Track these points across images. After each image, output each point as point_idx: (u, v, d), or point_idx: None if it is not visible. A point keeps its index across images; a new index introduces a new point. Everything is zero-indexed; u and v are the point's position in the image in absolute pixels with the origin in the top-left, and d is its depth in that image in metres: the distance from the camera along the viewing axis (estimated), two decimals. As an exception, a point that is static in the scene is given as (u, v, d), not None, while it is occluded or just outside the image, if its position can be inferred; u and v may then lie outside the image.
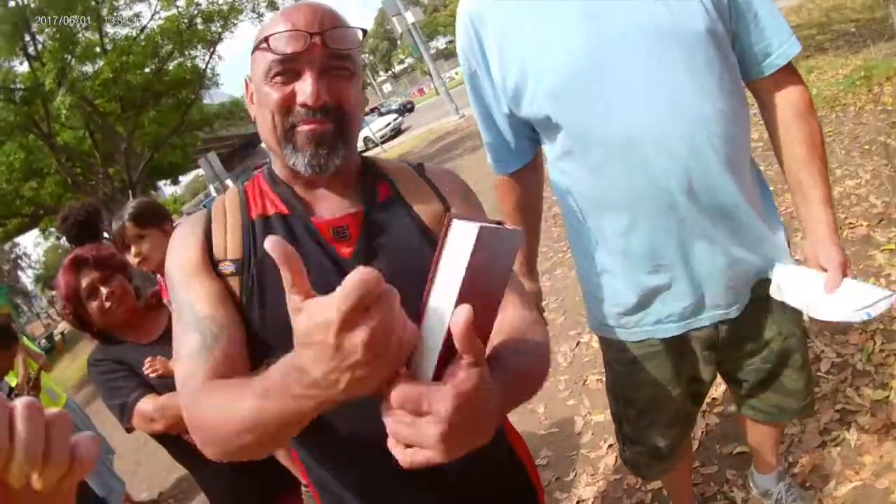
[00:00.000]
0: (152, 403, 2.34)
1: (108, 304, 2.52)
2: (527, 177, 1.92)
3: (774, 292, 1.66)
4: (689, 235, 1.59)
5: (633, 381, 1.87)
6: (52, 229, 28.53)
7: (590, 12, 1.49)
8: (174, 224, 2.91)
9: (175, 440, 2.47)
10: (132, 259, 2.97)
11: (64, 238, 4.44)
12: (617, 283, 1.72)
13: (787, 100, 1.64)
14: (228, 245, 1.28)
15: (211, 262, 1.26)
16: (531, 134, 1.77)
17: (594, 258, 1.75)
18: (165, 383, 2.33)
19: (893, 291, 1.43)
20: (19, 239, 53.17)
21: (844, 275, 1.53)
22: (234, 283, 1.25)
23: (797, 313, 1.79)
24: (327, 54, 1.22)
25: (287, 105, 1.23)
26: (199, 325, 1.19)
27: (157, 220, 3.04)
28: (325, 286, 0.85)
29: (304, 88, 1.21)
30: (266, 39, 1.22)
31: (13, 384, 4.95)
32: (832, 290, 1.51)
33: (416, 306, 0.86)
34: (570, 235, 1.85)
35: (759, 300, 1.73)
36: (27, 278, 71.87)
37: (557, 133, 1.61)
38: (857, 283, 1.51)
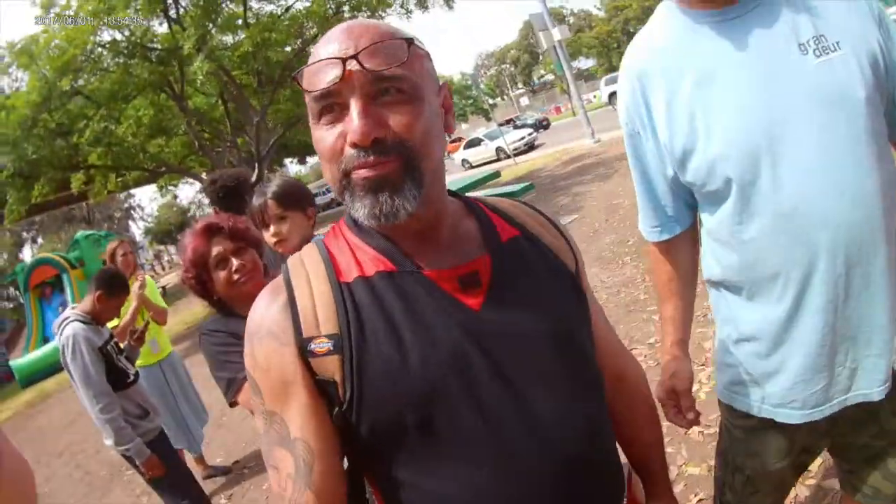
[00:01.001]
0: None
1: (236, 277, 2.55)
2: (684, 245, 1.88)
3: None
4: (836, 315, 1.55)
5: (747, 449, 1.85)
6: (171, 187, 29.58)
7: (761, 78, 1.49)
8: (316, 209, 3.10)
9: None
10: (269, 238, 2.94)
11: (209, 200, 4.59)
12: (752, 351, 1.70)
13: None
14: (320, 318, 1.11)
15: (300, 349, 1.10)
16: (691, 200, 1.77)
17: (735, 325, 1.75)
18: None
19: None
20: (135, 191, 55.98)
21: None
22: (332, 363, 1.09)
23: None
24: (370, 79, 1.04)
25: (339, 149, 1.07)
26: (292, 445, 1.10)
27: (300, 202, 2.99)
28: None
29: (350, 126, 1.04)
30: (298, 78, 1.10)
31: (111, 328, 4.94)
32: None
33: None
34: (715, 299, 1.84)
35: None
36: (137, 229, 76.31)
37: (720, 199, 1.62)
38: None
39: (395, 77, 1.06)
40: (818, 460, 3.20)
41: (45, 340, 21.30)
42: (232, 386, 2.43)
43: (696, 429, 3.82)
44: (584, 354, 1.25)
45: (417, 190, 1.08)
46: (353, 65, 1.03)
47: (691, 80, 1.56)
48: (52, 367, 20.11)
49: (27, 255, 62.01)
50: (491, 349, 1.11)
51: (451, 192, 1.30)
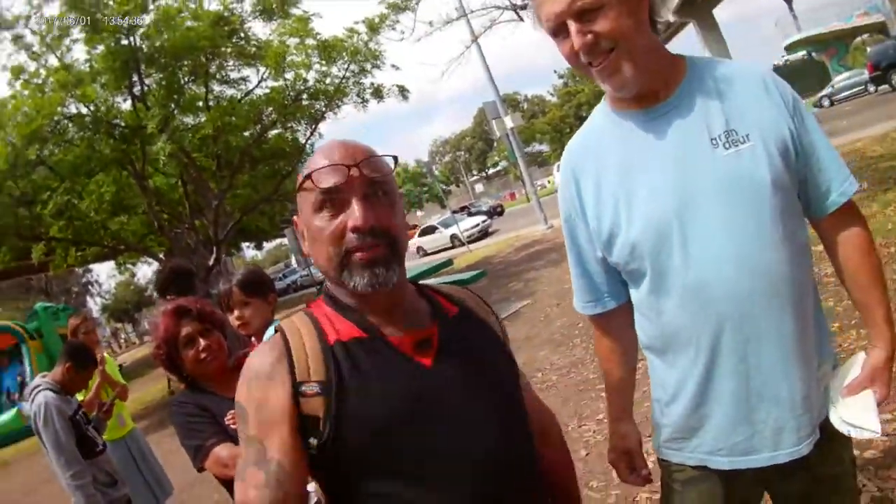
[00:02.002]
0: (229, 451, 2.57)
1: (203, 356, 2.81)
2: (621, 318, 1.99)
3: (836, 422, 1.77)
4: (748, 376, 1.70)
5: (685, 499, 1.94)
6: (129, 265, 29.18)
7: (674, 168, 1.68)
8: (276, 295, 3.46)
9: None
10: (233, 321, 3.25)
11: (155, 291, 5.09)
12: (679, 410, 1.84)
13: (847, 237, 1.80)
14: (311, 367, 1.39)
15: (293, 389, 1.37)
16: (622, 278, 1.91)
17: (661, 386, 1.90)
18: None
19: (882, 432, 1.69)
20: (93, 266, 54.76)
21: (869, 386, 1.76)
22: (318, 403, 1.36)
23: (849, 440, 1.86)
24: (367, 182, 1.42)
25: (340, 234, 1.41)
26: (267, 464, 1.35)
27: (262, 290, 3.32)
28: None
29: (353, 214, 1.39)
30: (310, 177, 1.44)
31: (80, 399, 5.08)
32: (848, 392, 1.77)
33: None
34: (648, 363, 1.96)
35: (823, 434, 1.79)
36: (94, 305, 74.04)
37: (640, 276, 1.79)
38: (870, 404, 1.73)
39: (385, 183, 1.46)
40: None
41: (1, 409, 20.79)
42: (200, 452, 2.64)
43: (645, 494, 4.02)
44: (514, 398, 1.57)
45: (399, 266, 1.46)
46: (355, 171, 1.40)
47: (616, 172, 1.76)
48: (6, 437, 19.50)
49: None
50: (439, 395, 1.40)
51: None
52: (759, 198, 1.63)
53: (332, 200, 1.42)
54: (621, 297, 1.97)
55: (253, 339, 3.32)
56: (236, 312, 3.24)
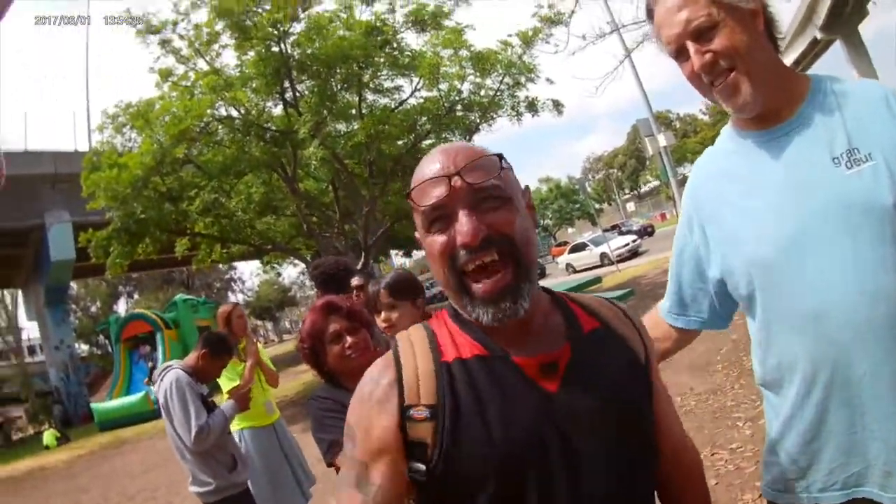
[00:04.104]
0: None
1: (349, 353, 2.82)
2: (683, 337, 2.10)
3: None
4: (861, 410, 1.60)
5: None
6: (275, 265, 30.29)
7: (794, 189, 1.63)
8: (425, 301, 3.47)
9: None
10: (380, 323, 3.32)
11: (312, 283, 5.07)
12: (789, 446, 1.76)
13: None
14: (422, 390, 1.29)
15: (401, 414, 1.29)
16: (716, 302, 1.94)
17: (775, 423, 1.81)
18: None
19: None
20: (238, 263, 57.50)
21: None
22: (427, 428, 1.27)
23: None
24: (472, 190, 1.27)
25: (450, 251, 1.28)
26: (368, 488, 1.29)
27: (410, 294, 3.36)
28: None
29: (461, 229, 1.26)
30: (411, 197, 1.32)
31: (235, 385, 5.42)
32: None
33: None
34: (765, 400, 1.90)
35: None
36: (236, 301, 77.28)
37: (754, 301, 1.75)
38: None
39: (492, 187, 1.29)
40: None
41: (129, 391, 22.14)
42: (332, 447, 2.65)
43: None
44: (644, 435, 1.39)
45: (529, 286, 1.30)
46: (456, 181, 1.26)
47: (738, 190, 1.75)
48: (132, 417, 20.74)
49: (121, 308, 64.97)
50: (563, 427, 1.27)
51: (542, 288, 1.48)
52: (881, 220, 1.56)
53: (439, 217, 1.29)
54: (705, 320, 2.02)
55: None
56: (383, 315, 3.30)
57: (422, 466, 1.27)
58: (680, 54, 1.71)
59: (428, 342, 1.37)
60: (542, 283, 1.56)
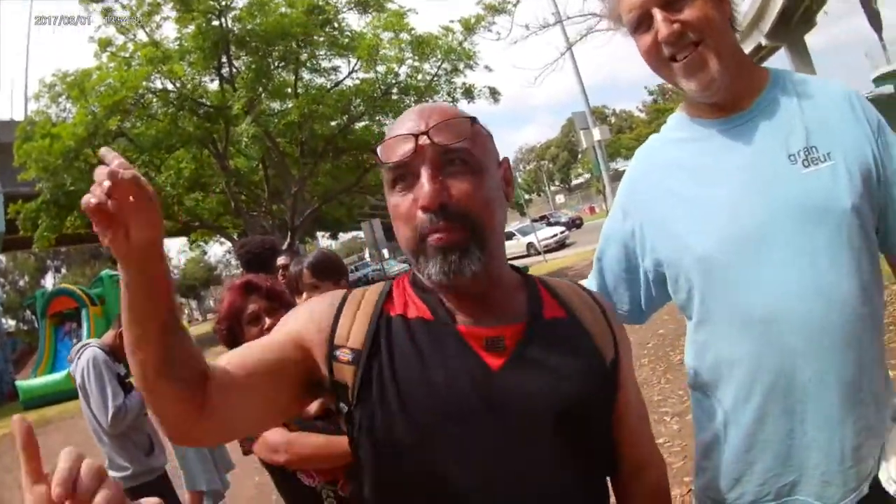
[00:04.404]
0: (281, 436, 2.39)
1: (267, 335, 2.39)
2: None
3: (883, 480, 1.57)
4: (802, 418, 1.56)
5: None
6: (201, 243, 29.88)
7: (748, 185, 1.56)
8: (348, 283, 3.31)
9: (287, 475, 2.48)
10: (302, 303, 2.81)
11: (238, 262, 4.87)
12: (724, 455, 1.69)
13: None
14: (353, 333, 1.26)
15: (329, 347, 1.25)
16: (645, 304, 1.86)
17: (706, 426, 1.74)
18: (301, 422, 2.38)
19: None
20: (165, 241, 57.28)
21: None
22: (348, 371, 1.23)
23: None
24: (439, 151, 1.21)
25: (411, 213, 1.22)
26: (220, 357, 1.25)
27: (333, 275, 3.21)
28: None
29: (420, 190, 1.20)
30: (376, 152, 1.26)
31: None
32: None
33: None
34: (694, 403, 1.83)
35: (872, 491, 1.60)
36: None
37: (696, 299, 1.65)
38: None
39: (460, 150, 1.22)
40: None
41: (54, 368, 21.49)
42: (250, 435, 2.45)
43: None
44: (588, 438, 1.29)
45: (482, 253, 1.22)
46: (423, 139, 1.20)
47: (686, 180, 1.66)
48: (56, 395, 20.17)
49: (48, 282, 63.28)
50: (496, 408, 1.19)
51: (513, 267, 1.43)
52: (838, 223, 1.51)
53: (403, 175, 1.23)
54: (625, 312, 1.90)
55: None
56: (305, 295, 3.13)
57: (345, 406, 1.24)
58: (640, 24, 1.59)
59: (379, 294, 1.34)
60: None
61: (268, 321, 2.61)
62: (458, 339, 1.24)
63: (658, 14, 1.54)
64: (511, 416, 1.19)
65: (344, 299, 1.33)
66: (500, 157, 1.36)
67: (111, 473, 3.85)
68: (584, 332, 1.35)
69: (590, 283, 1.92)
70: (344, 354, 1.24)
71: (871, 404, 1.57)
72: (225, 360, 1.23)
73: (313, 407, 2.34)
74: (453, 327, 1.26)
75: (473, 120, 1.27)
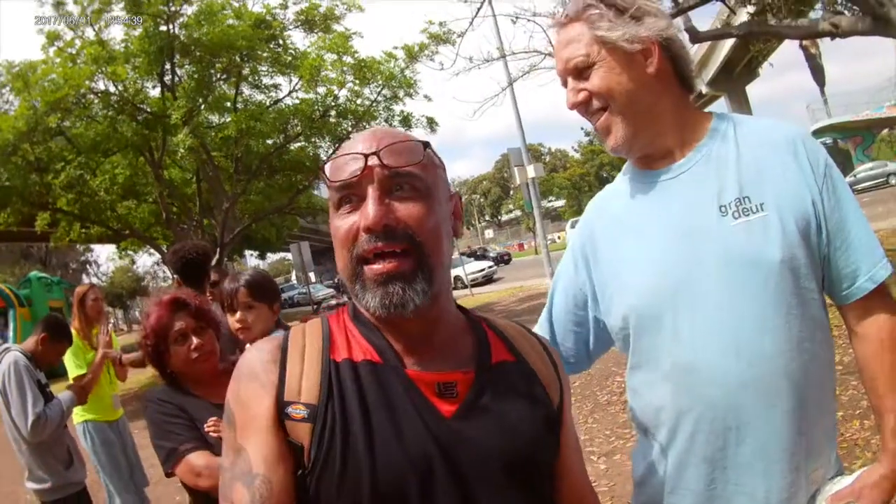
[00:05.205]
0: (205, 460, 2.36)
1: (194, 355, 2.59)
2: None
3: None
4: (724, 467, 1.58)
5: None
6: (130, 252, 29.21)
7: (678, 237, 1.60)
8: (281, 306, 3.24)
9: (211, 501, 2.34)
10: (233, 323, 3.08)
11: (170, 269, 4.74)
12: (650, 493, 1.74)
13: (874, 328, 1.61)
14: (304, 387, 1.17)
15: (278, 404, 1.16)
16: (593, 351, 1.93)
17: (640, 462, 1.80)
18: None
19: None
20: (95, 246, 55.39)
21: (853, 500, 1.56)
22: (304, 430, 1.14)
23: None
24: (388, 174, 1.17)
25: (353, 235, 1.17)
26: (252, 480, 1.12)
27: (269, 296, 3.13)
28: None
29: (365, 211, 1.15)
30: (323, 170, 1.21)
31: (82, 373, 5.10)
32: (831, 502, 1.58)
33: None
34: (637, 442, 1.87)
35: None
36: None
37: (630, 346, 1.72)
38: None
39: (410, 174, 1.18)
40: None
41: None
42: (172, 456, 2.42)
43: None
44: (537, 480, 1.28)
45: (427, 285, 1.17)
46: (373, 160, 1.16)
47: (625, 234, 1.72)
48: None
49: None
50: (453, 457, 1.15)
51: (459, 307, 1.39)
52: (765, 276, 1.52)
53: (349, 197, 1.19)
54: (572, 362, 1.94)
55: (248, 345, 2.99)
56: (238, 314, 3.05)
57: (299, 471, 1.15)
58: (566, 84, 1.71)
59: (322, 338, 1.25)
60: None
61: (195, 340, 2.59)
62: (410, 385, 1.19)
63: (569, 83, 1.70)
64: (463, 465, 1.16)
65: (284, 350, 1.24)
66: (452, 192, 1.33)
67: (30, 485, 3.79)
68: (532, 377, 1.33)
69: (540, 329, 1.94)
70: (297, 412, 1.15)
71: (804, 457, 1.57)
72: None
73: None
74: (402, 371, 1.20)
75: (426, 145, 1.24)
